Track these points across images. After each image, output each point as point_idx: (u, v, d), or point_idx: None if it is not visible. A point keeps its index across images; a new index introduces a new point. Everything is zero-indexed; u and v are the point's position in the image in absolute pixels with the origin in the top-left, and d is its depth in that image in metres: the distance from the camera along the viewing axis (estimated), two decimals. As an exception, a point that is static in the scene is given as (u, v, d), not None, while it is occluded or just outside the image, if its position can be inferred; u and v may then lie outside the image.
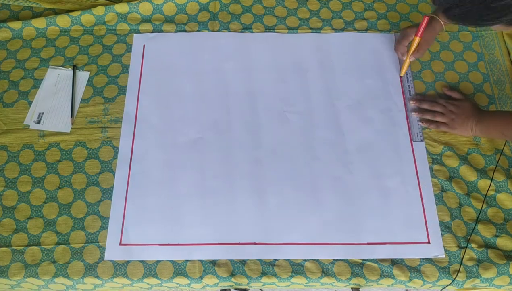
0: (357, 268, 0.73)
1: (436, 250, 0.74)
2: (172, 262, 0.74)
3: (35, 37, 0.93)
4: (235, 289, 0.87)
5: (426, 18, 0.77)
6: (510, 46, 0.91)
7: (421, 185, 0.78)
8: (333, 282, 0.73)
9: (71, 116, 0.84)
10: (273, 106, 0.86)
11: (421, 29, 0.79)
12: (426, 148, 0.81)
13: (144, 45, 0.91)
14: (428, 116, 0.83)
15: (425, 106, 0.84)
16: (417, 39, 0.80)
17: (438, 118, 0.82)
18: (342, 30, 0.94)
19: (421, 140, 0.81)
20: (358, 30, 0.94)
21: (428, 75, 0.89)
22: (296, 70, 0.89)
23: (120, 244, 0.74)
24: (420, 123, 0.83)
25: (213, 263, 0.73)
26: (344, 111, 0.85)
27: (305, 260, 0.74)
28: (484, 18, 0.54)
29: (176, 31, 0.93)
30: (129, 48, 0.91)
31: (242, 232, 0.75)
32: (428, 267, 0.73)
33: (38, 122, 0.84)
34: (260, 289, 1.02)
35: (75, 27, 0.93)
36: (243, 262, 0.74)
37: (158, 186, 0.78)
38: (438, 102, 0.83)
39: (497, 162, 0.79)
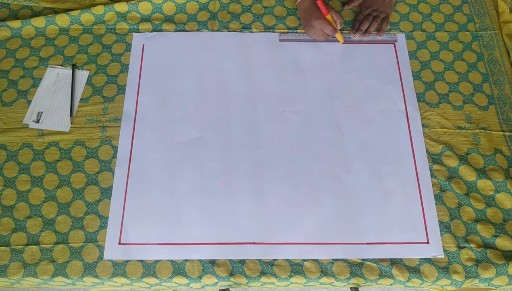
0: (356, 268, 0.73)
1: (435, 250, 0.74)
2: (171, 261, 0.73)
3: (35, 36, 0.92)
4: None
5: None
6: (509, 47, 0.91)
7: (421, 185, 0.78)
8: (332, 282, 0.73)
9: (70, 116, 0.84)
10: (272, 106, 0.86)
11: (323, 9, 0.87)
12: (425, 147, 0.81)
13: (143, 45, 0.91)
14: (367, 25, 0.91)
15: (363, 26, 0.91)
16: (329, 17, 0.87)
17: (376, 19, 0.91)
18: (341, 30, 0.94)
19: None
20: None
21: (427, 75, 0.89)
22: (295, 70, 0.89)
23: (119, 243, 0.74)
24: (366, 35, 0.91)
25: (212, 262, 0.73)
26: (344, 111, 0.85)
27: (304, 260, 0.74)
28: None
29: (176, 30, 0.93)
30: (128, 48, 0.91)
31: (241, 232, 0.75)
32: (427, 267, 0.73)
33: (37, 121, 0.84)
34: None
35: (74, 26, 0.93)
36: (242, 262, 0.74)
37: (157, 186, 0.78)
38: (364, 14, 0.93)
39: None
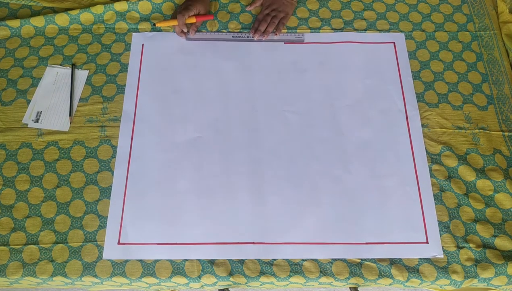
0: (355, 268, 0.73)
1: (435, 250, 0.74)
2: (171, 261, 0.73)
3: (34, 35, 0.92)
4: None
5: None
6: (508, 47, 0.91)
7: (420, 184, 0.78)
8: (332, 282, 0.73)
9: (70, 115, 0.84)
10: (272, 105, 0.86)
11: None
12: (425, 147, 0.81)
13: (143, 44, 0.91)
14: (265, 26, 0.91)
15: (262, 26, 0.91)
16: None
17: (274, 19, 0.91)
18: (341, 30, 0.94)
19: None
20: (357, 30, 0.94)
21: (427, 75, 0.89)
22: (295, 70, 0.89)
23: (119, 243, 0.74)
24: (265, 35, 0.90)
25: (212, 262, 0.73)
26: (343, 111, 0.85)
27: (303, 260, 0.74)
28: None
29: (175, 30, 0.93)
30: (128, 47, 0.91)
31: (241, 232, 0.75)
32: (427, 267, 0.73)
33: (37, 121, 0.84)
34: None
35: (74, 25, 0.93)
36: (242, 262, 0.74)
37: (156, 185, 0.78)
38: (263, 14, 0.93)
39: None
